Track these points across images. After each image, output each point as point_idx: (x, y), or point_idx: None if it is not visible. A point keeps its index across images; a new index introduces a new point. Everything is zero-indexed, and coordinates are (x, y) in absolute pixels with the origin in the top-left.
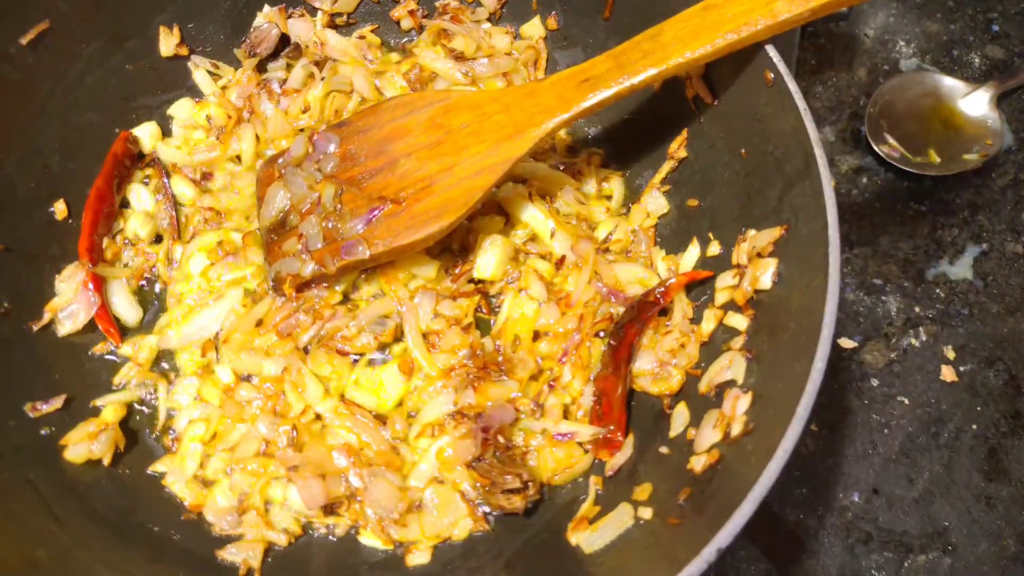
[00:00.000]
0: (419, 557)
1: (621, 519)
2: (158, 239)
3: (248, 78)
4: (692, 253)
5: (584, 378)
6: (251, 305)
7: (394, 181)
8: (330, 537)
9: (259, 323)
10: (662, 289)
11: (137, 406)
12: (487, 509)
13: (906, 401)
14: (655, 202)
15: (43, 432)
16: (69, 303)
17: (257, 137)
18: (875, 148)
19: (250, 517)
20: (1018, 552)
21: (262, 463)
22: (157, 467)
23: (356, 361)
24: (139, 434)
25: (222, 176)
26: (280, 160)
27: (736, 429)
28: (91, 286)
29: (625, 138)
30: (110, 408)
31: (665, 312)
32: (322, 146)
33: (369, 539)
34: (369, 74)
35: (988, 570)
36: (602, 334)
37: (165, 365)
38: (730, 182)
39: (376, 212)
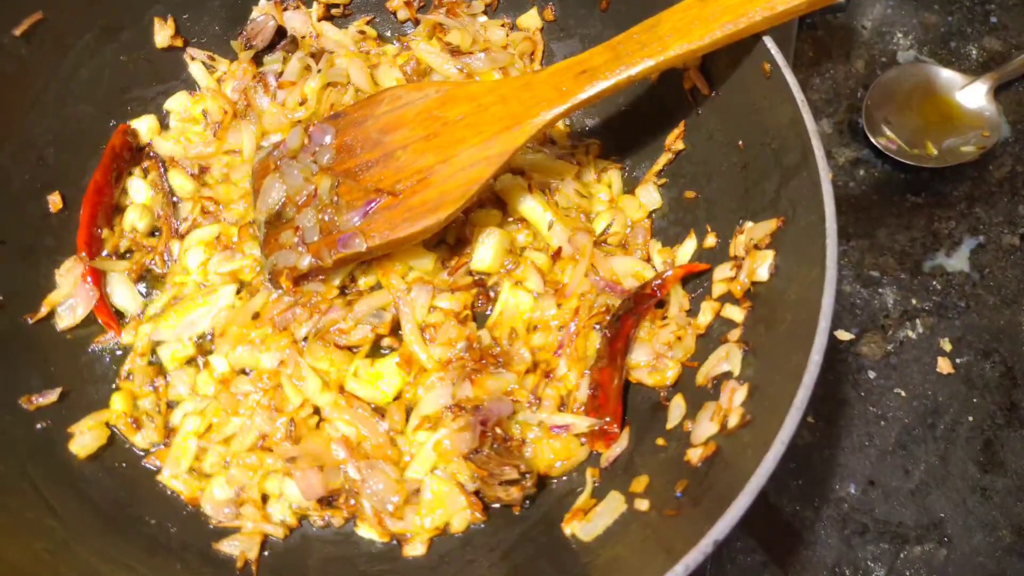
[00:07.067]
0: (416, 549)
1: (614, 506)
2: (157, 231)
3: (244, 71)
4: (689, 246)
5: (580, 370)
6: (247, 298)
7: (390, 173)
8: (327, 530)
9: (255, 316)
10: (659, 281)
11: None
12: (484, 501)
13: (902, 393)
14: (649, 196)
15: (39, 426)
16: (68, 296)
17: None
18: (872, 140)
19: (247, 510)
20: (1013, 543)
21: (259, 456)
22: (153, 460)
23: (355, 353)
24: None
25: (218, 169)
26: (276, 152)
27: (733, 421)
28: (90, 279)
29: (623, 129)
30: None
31: (662, 304)
32: (318, 138)
33: (367, 531)
34: (365, 66)
35: (984, 561)
36: (598, 327)
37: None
38: (727, 174)
39: (373, 204)
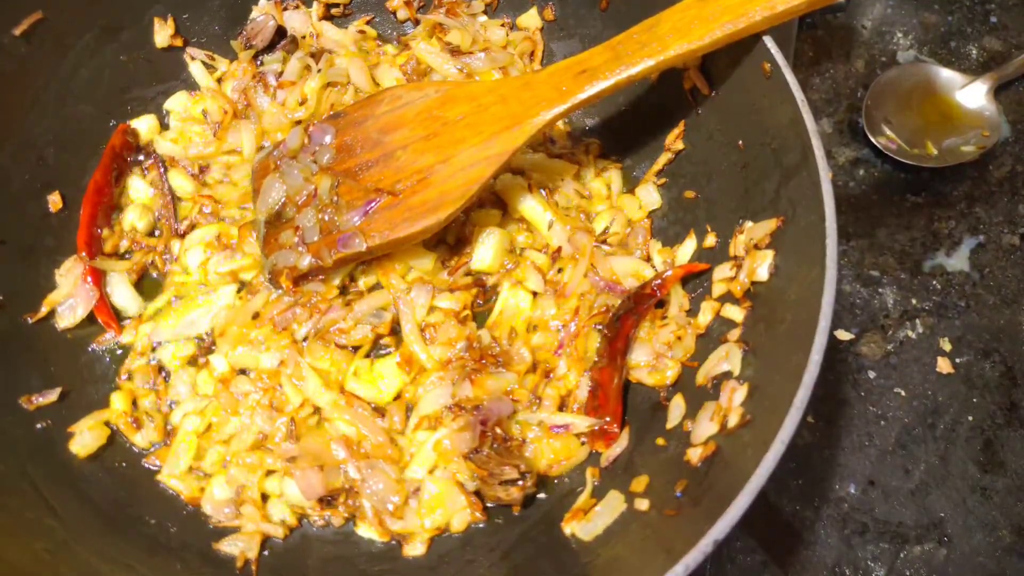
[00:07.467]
0: (416, 549)
1: (614, 506)
2: (157, 231)
3: (244, 70)
4: (688, 245)
5: (580, 370)
6: (247, 298)
7: (390, 173)
8: (327, 530)
9: (255, 316)
10: (659, 281)
11: (136, 398)
12: (484, 501)
13: (902, 393)
14: (649, 196)
15: (39, 426)
16: (68, 296)
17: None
18: (872, 140)
19: (247, 510)
20: (1013, 543)
21: (259, 456)
22: (153, 460)
23: (355, 353)
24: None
25: (218, 169)
26: (276, 152)
27: (733, 421)
28: (90, 279)
29: (623, 129)
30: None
31: (662, 304)
32: (318, 137)
33: (367, 531)
34: (365, 66)
35: (983, 561)
36: (598, 326)
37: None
38: (727, 174)
39: (373, 204)
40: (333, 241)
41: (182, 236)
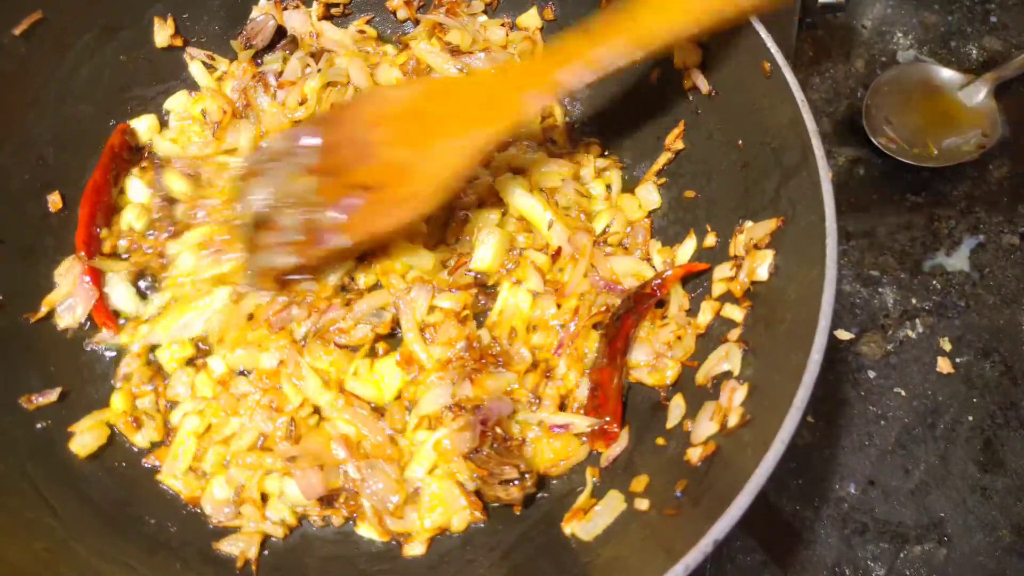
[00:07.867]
0: (416, 548)
1: (614, 505)
2: (154, 231)
3: (243, 70)
4: (688, 245)
5: (579, 370)
6: (240, 300)
7: (372, 169)
8: (327, 530)
9: (250, 317)
10: (659, 281)
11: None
12: (484, 501)
13: (902, 392)
14: (648, 195)
15: (39, 426)
16: (67, 296)
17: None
18: (872, 139)
19: (247, 509)
20: (1013, 543)
21: (259, 456)
22: (153, 460)
23: (355, 353)
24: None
25: (214, 169)
26: (261, 154)
27: (733, 421)
28: (88, 279)
29: (623, 129)
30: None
31: (662, 304)
32: (302, 139)
33: (367, 531)
34: (365, 66)
35: (983, 561)
36: (598, 326)
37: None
38: (727, 173)
39: (355, 200)
40: (316, 239)
41: (177, 237)
